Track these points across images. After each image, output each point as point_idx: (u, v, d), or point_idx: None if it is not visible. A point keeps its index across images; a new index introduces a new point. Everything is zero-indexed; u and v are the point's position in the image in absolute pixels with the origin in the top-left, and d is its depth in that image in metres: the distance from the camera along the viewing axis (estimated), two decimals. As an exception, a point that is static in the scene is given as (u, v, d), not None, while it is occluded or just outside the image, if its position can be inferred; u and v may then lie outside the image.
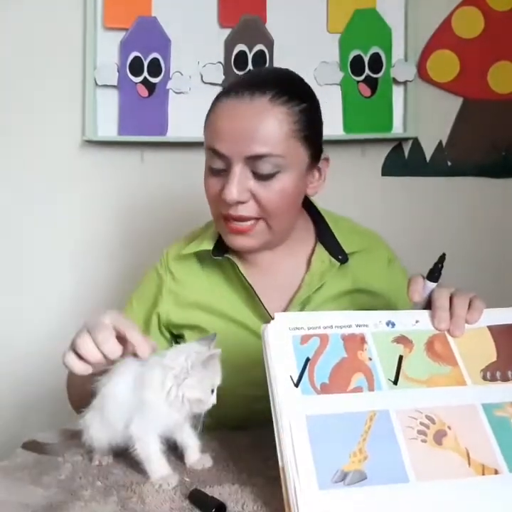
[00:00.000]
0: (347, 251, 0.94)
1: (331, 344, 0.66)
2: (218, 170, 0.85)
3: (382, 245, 1.04)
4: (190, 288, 0.97)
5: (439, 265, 0.73)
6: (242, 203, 0.83)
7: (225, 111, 0.83)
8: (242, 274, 0.91)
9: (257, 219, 0.86)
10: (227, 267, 0.95)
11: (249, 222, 0.86)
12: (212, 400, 0.69)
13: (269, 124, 0.81)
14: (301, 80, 0.89)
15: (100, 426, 0.73)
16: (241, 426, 0.84)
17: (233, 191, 0.82)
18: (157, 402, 0.68)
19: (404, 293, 0.74)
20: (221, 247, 0.94)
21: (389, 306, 0.96)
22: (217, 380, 0.70)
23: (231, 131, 0.81)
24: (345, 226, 1.00)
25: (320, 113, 0.90)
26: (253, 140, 0.80)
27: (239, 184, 0.82)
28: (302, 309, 0.92)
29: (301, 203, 0.95)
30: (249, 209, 0.84)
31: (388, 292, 0.98)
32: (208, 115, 0.87)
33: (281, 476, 0.57)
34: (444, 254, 0.73)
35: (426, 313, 0.71)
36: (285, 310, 0.93)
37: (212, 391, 0.70)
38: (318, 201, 1.03)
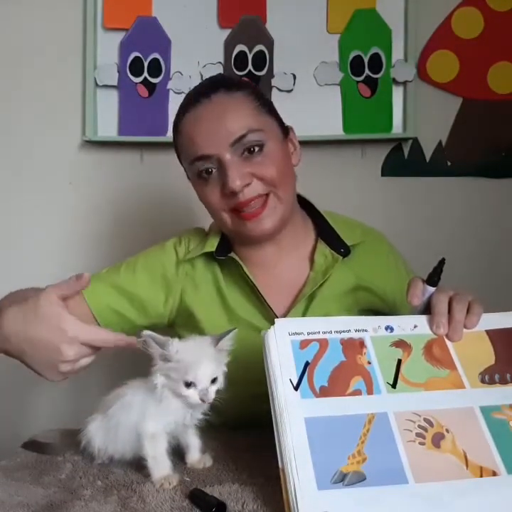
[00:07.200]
0: (349, 243, 0.95)
1: (330, 349, 0.67)
2: (210, 172, 0.88)
3: (383, 240, 1.05)
4: (203, 278, 0.98)
5: (439, 270, 0.73)
6: (247, 185, 0.87)
7: (193, 120, 0.89)
8: (246, 273, 0.92)
9: (266, 195, 0.89)
10: (231, 267, 0.96)
11: (260, 202, 0.88)
12: (210, 393, 0.68)
13: (237, 109, 0.88)
14: (235, 76, 1.04)
15: (105, 435, 0.74)
16: (243, 425, 0.85)
17: (235, 177, 0.85)
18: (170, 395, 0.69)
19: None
20: (224, 248, 0.95)
21: (394, 307, 0.97)
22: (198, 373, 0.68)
23: (208, 131, 0.86)
24: (344, 220, 1.02)
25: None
26: (231, 126, 0.86)
27: (237, 170, 0.86)
28: (307, 306, 0.93)
29: (300, 204, 0.99)
30: (255, 188, 0.88)
31: (393, 294, 0.98)
32: (176, 137, 0.93)
33: (281, 477, 0.58)
34: (443, 259, 0.74)
35: (424, 318, 0.71)
36: (290, 307, 0.94)
37: (215, 381, 0.69)
38: (319, 201, 1.04)
